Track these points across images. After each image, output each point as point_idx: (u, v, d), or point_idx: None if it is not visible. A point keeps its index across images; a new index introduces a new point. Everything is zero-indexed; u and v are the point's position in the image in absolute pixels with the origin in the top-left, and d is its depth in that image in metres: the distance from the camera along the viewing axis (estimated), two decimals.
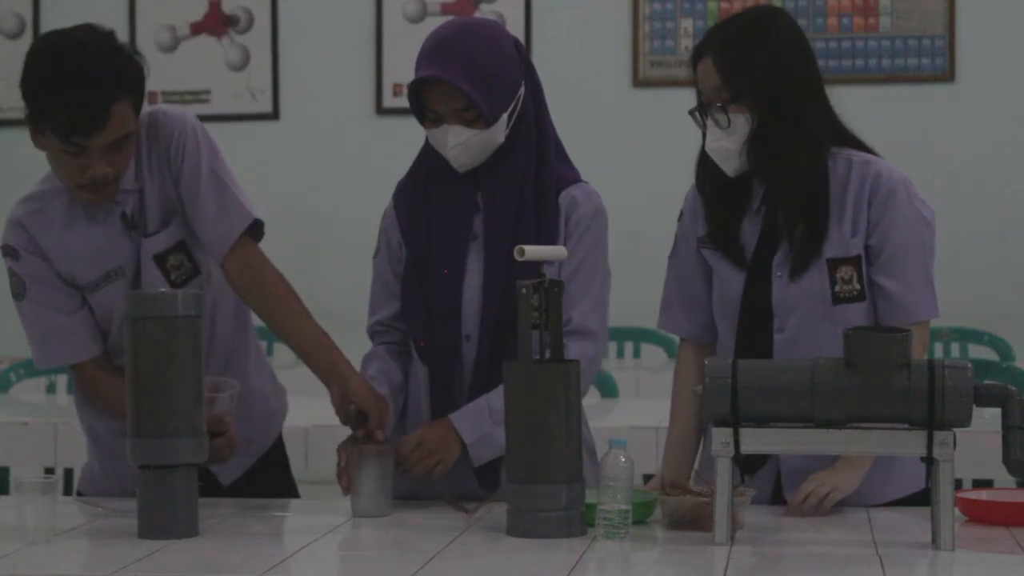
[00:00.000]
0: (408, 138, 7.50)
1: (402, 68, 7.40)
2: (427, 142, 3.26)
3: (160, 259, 3.24)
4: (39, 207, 3.24)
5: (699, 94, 3.20)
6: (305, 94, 7.52)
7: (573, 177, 3.26)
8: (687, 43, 7.27)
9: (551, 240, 3.17)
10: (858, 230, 3.14)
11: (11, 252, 3.25)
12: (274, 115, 7.51)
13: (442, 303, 3.20)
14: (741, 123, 3.13)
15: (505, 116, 3.16)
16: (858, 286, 3.15)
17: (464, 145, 3.15)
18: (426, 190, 3.27)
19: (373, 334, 3.36)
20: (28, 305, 3.26)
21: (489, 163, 3.20)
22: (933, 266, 3.18)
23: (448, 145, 3.16)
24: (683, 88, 7.78)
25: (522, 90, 3.20)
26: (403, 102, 7.38)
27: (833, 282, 3.14)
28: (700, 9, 7.27)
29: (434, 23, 7.58)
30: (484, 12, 7.23)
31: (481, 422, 3.12)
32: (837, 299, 3.14)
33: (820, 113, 3.17)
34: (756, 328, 3.18)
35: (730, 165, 3.18)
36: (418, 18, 7.39)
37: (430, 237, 3.23)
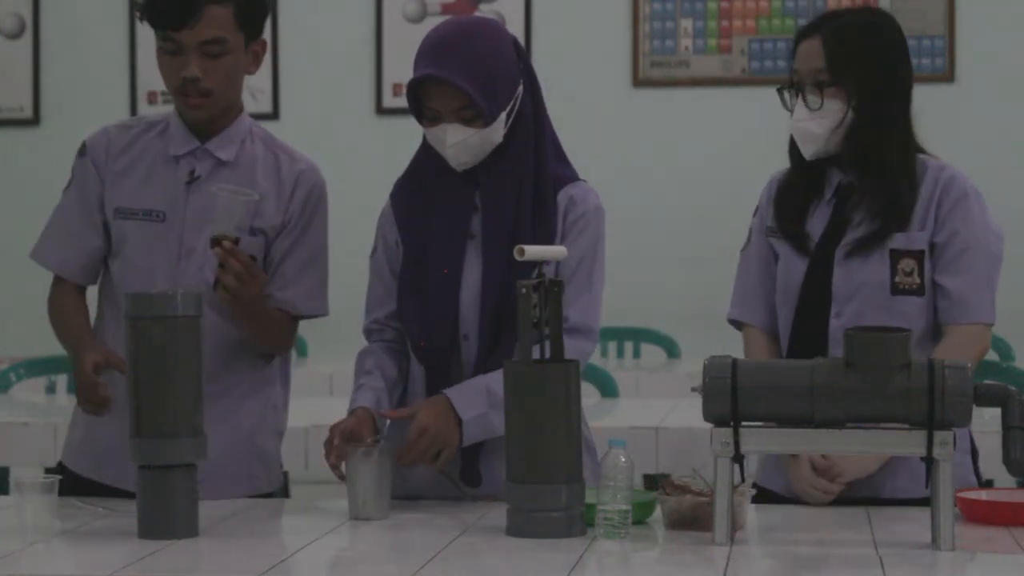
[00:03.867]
0: (408, 138, 7.50)
1: (402, 68, 7.38)
2: (425, 141, 3.26)
3: (243, 216, 3.25)
4: (130, 130, 3.40)
5: (793, 73, 3.25)
6: (305, 94, 7.53)
7: (571, 176, 3.26)
8: (687, 43, 7.28)
9: (549, 239, 3.17)
10: (925, 226, 3.19)
11: (82, 149, 3.41)
12: (274, 115, 7.52)
13: (440, 303, 3.20)
14: (834, 108, 3.19)
15: (503, 115, 3.16)
16: (918, 280, 3.20)
17: (463, 144, 3.15)
18: (424, 189, 3.26)
19: (369, 333, 3.36)
20: (62, 198, 3.41)
21: (487, 162, 3.19)
22: (998, 277, 3.24)
23: (447, 144, 3.15)
24: (683, 88, 7.84)
25: (520, 89, 3.19)
26: (403, 102, 7.32)
27: (894, 273, 3.19)
28: (700, 9, 7.27)
29: (434, 23, 7.58)
30: (484, 12, 7.23)
31: (478, 401, 3.11)
32: (896, 289, 3.19)
33: (909, 118, 3.25)
34: (814, 313, 3.23)
35: (810, 147, 3.23)
36: (418, 18, 7.39)
37: (428, 237, 3.23)
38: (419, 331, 3.22)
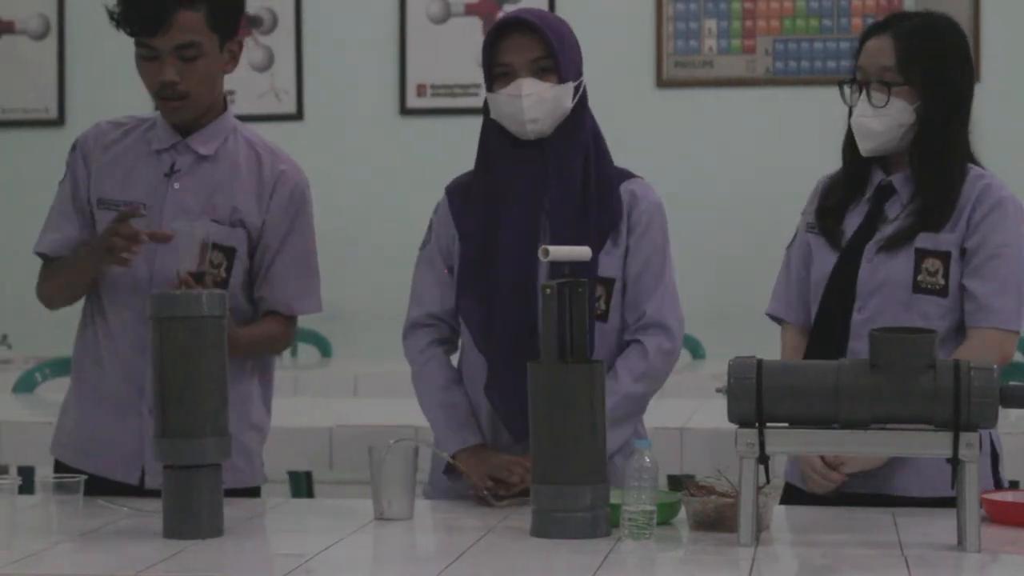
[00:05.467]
0: (431, 138, 7.54)
1: (426, 68, 7.41)
2: (484, 130, 3.29)
3: (204, 246, 3.27)
4: (121, 127, 3.45)
5: (857, 69, 3.26)
6: (329, 95, 7.53)
7: (628, 172, 3.30)
8: (711, 43, 7.27)
9: (613, 224, 3.21)
10: (956, 229, 3.20)
11: (74, 144, 3.48)
12: (298, 116, 7.53)
13: (509, 295, 3.20)
14: (898, 107, 3.21)
15: (572, 84, 3.20)
16: (942, 281, 3.21)
17: (537, 96, 3.18)
18: (485, 183, 3.27)
19: (417, 326, 3.33)
20: (58, 190, 3.46)
21: (552, 140, 3.22)
22: None
23: (522, 94, 3.18)
24: (707, 88, 7.84)
25: (583, 80, 3.25)
26: (427, 102, 7.40)
27: (917, 271, 3.19)
28: (724, 9, 7.26)
29: (458, 23, 7.63)
30: (508, 12, 7.23)
31: None
32: (918, 288, 3.19)
33: (967, 123, 3.27)
34: (838, 307, 3.24)
35: (869, 143, 3.24)
36: (442, 19, 7.39)
37: (493, 230, 3.23)
38: (485, 329, 3.22)
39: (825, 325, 3.26)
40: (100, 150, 3.41)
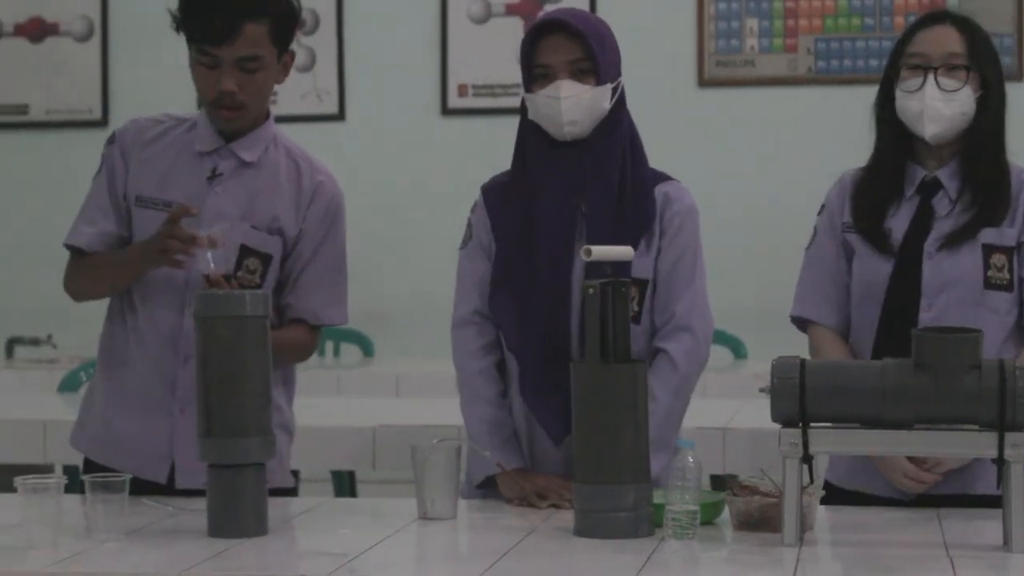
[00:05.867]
0: (472, 138, 7.53)
1: (467, 68, 7.41)
2: (521, 131, 3.29)
3: (244, 251, 3.34)
4: (159, 124, 3.45)
5: (910, 56, 3.25)
6: (371, 95, 7.54)
7: (664, 174, 3.29)
8: (752, 42, 7.25)
9: (647, 225, 3.20)
10: (1015, 222, 3.20)
11: (111, 138, 3.46)
12: (340, 116, 7.54)
13: (542, 297, 3.19)
14: (966, 94, 3.22)
15: (610, 85, 3.20)
16: (1008, 276, 3.21)
17: (576, 98, 3.18)
18: (521, 184, 3.26)
19: (466, 323, 3.32)
20: (93, 183, 3.46)
21: (590, 141, 3.22)
22: None
23: (561, 96, 3.18)
24: (748, 87, 7.81)
25: (622, 80, 3.25)
26: (468, 102, 7.40)
27: (986, 267, 3.19)
28: (766, 8, 7.24)
29: (499, 24, 7.62)
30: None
31: None
32: (988, 284, 3.18)
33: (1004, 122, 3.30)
34: (901, 309, 3.22)
35: (935, 127, 3.23)
36: (483, 19, 7.39)
37: (528, 232, 3.23)
38: (518, 331, 3.22)
39: (891, 329, 3.22)
40: (139, 147, 3.41)
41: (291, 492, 3.50)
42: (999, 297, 3.20)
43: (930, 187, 3.26)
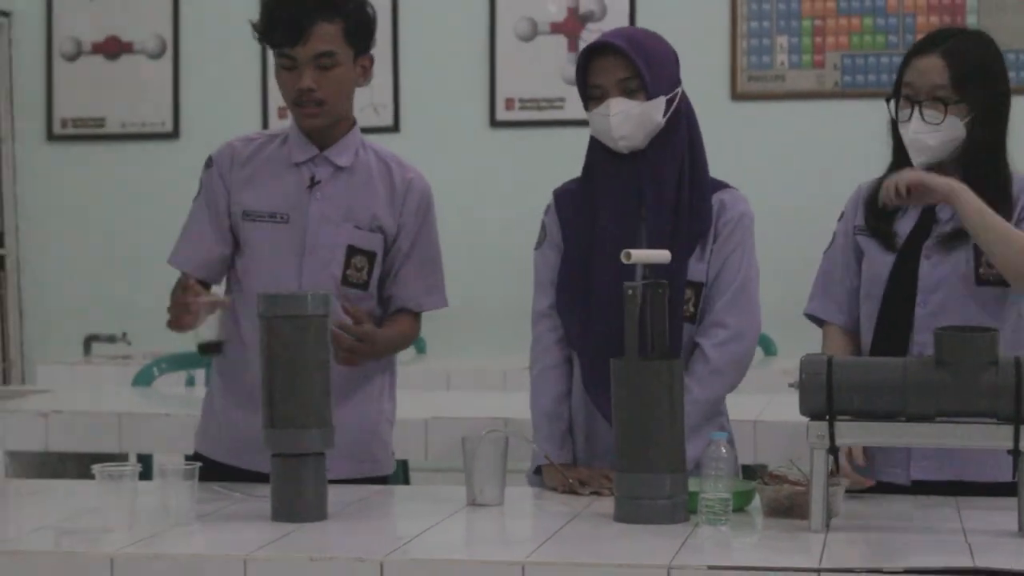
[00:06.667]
0: (519, 149, 7.53)
1: (514, 83, 7.41)
2: (591, 143, 3.28)
3: (351, 251, 3.37)
4: (252, 142, 3.47)
5: (903, 86, 3.22)
6: (424, 108, 7.55)
7: (721, 183, 3.29)
8: (783, 58, 7.23)
9: (703, 232, 3.21)
10: (1009, 221, 3.14)
11: (208, 162, 3.47)
12: (395, 128, 7.55)
13: (604, 298, 3.19)
14: (952, 123, 3.17)
15: (664, 99, 3.21)
16: None
17: (624, 114, 3.18)
18: (590, 185, 3.27)
19: (543, 316, 3.33)
20: (192, 207, 3.48)
21: (647, 152, 3.22)
22: None
23: (610, 113, 3.19)
24: (779, 101, 7.78)
25: (680, 89, 3.25)
26: (516, 115, 7.40)
27: (978, 264, 3.16)
28: (795, 27, 7.22)
29: (544, 41, 7.62)
30: (590, 31, 7.22)
31: None
32: (980, 280, 3.16)
33: (1006, 133, 3.24)
34: (899, 303, 3.21)
35: (923, 157, 3.20)
36: (529, 36, 7.40)
37: (592, 235, 3.24)
38: (581, 330, 3.23)
39: (888, 321, 3.23)
40: (237, 166, 3.43)
41: (390, 479, 3.51)
42: (991, 291, 3.17)
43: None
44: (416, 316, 3.47)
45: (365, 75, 3.42)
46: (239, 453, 3.38)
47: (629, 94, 3.19)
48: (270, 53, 3.43)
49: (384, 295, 3.44)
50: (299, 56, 3.30)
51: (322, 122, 3.37)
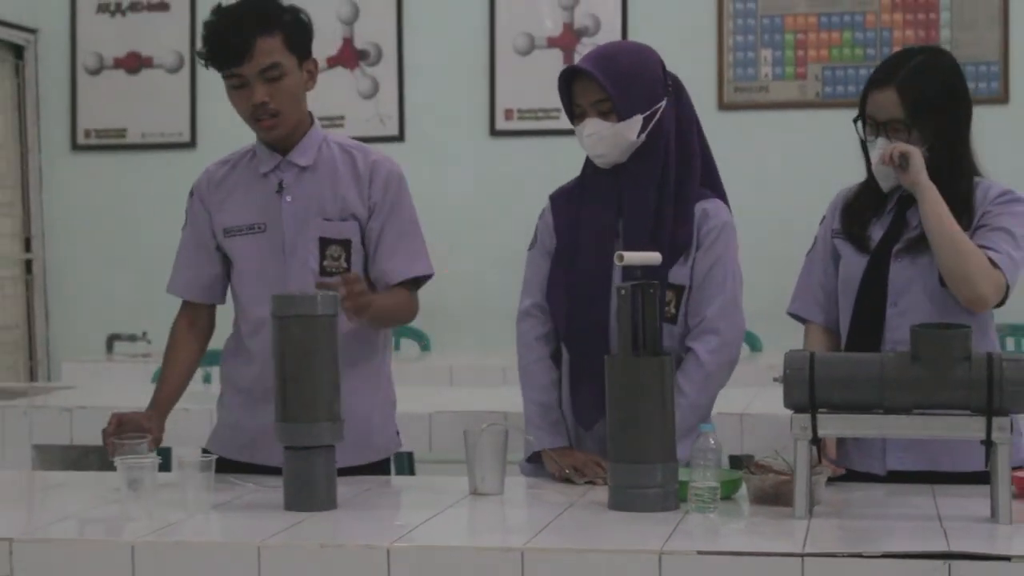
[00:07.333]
0: (517, 156, 7.51)
1: (513, 95, 7.41)
2: (586, 158, 3.27)
3: (324, 243, 3.33)
4: (225, 164, 3.46)
5: (868, 117, 3.21)
6: (428, 119, 7.55)
7: (704, 192, 3.27)
8: (767, 70, 7.23)
9: (687, 243, 3.19)
10: (970, 228, 3.14)
11: (191, 192, 3.48)
12: (400, 138, 7.55)
13: (586, 299, 3.20)
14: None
15: (640, 117, 3.18)
16: None
17: (597, 135, 3.18)
18: (581, 192, 3.27)
19: (528, 315, 3.32)
20: (182, 235, 3.49)
21: (628, 165, 3.21)
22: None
23: (584, 134, 3.19)
24: (763, 111, 7.77)
25: (663, 104, 3.21)
26: (514, 125, 7.40)
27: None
28: (778, 40, 7.22)
29: (541, 55, 7.61)
30: (585, 45, 7.22)
31: None
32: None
33: (969, 145, 3.21)
34: (872, 303, 3.20)
35: (888, 183, 3.22)
36: (526, 51, 7.39)
37: (578, 235, 3.24)
38: (567, 324, 3.22)
39: (862, 319, 3.22)
40: (213, 189, 3.42)
41: (396, 468, 3.49)
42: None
43: (906, 202, 3.23)
44: (408, 288, 3.39)
45: (312, 79, 3.38)
46: (244, 449, 3.37)
47: (603, 115, 3.17)
48: None
49: (372, 277, 3.38)
50: (247, 73, 3.27)
51: (281, 132, 3.34)
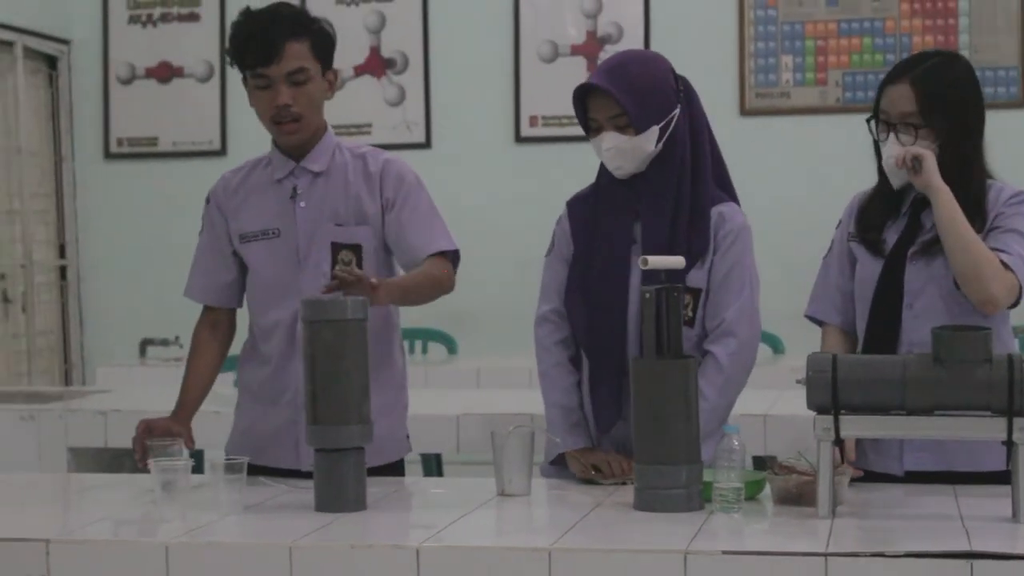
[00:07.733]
0: (542, 162, 7.51)
1: (538, 102, 7.41)
2: (600, 166, 3.27)
3: (336, 247, 3.33)
4: (241, 171, 3.46)
5: (880, 111, 3.21)
6: (454, 126, 7.56)
7: (721, 196, 3.26)
8: (788, 76, 7.22)
9: (703, 249, 3.18)
10: (983, 230, 3.13)
11: (207, 198, 3.49)
12: (426, 144, 7.56)
13: (604, 306, 3.19)
14: (924, 146, 3.14)
15: (656, 128, 3.17)
16: None
17: (616, 149, 3.17)
18: (597, 200, 3.27)
19: (545, 320, 3.31)
20: (198, 241, 3.49)
21: (646, 173, 3.20)
22: None
23: (603, 148, 3.18)
24: (785, 116, 7.75)
25: (677, 112, 3.20)
26: (539, 131, 7.40)
27: None
28: (799, 47, 7.21)
29: (565, 63, 7.62)
30: (608, 52, 7.22)
31: None
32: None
33: (982, 149, 3.21)
34: (888, 305, 3.19)
35: (899, 179, 3.20)
36: (551, 58, 7.40)
37: (596, 242, 3.23)
38: (585, 329, 3.22)
39: (879, 321, 3.21)
40: (229, 195, 3.43)
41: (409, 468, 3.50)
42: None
43: (920, 204, 3.22)
44: (439, 260, 3.33)
45: (331, 89, 3.38)
46: (257, 452, 3.35)
47: (620, 129, 3.16)
48: None
49: (402, 264, 3.36)
50: (273, 75, 3.27)
51: (301, 137, 3.33)
